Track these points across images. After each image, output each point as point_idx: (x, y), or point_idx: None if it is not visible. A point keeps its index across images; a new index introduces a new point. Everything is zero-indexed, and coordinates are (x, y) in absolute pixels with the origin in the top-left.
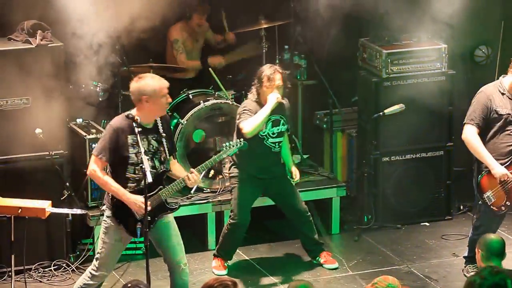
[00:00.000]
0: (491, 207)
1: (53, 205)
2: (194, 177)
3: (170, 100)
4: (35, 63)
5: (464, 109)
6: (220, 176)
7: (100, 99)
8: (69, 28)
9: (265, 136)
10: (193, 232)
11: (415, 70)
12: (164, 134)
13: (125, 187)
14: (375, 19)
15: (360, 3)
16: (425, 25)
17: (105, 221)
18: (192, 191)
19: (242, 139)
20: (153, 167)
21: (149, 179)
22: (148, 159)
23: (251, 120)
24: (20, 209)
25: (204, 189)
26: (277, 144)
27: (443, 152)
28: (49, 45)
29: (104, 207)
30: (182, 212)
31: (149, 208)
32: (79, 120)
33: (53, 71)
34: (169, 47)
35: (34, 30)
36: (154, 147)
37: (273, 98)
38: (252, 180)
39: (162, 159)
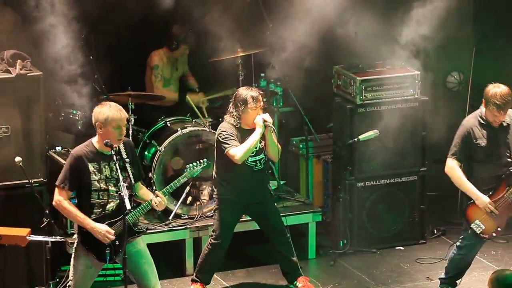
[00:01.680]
0: (481, 235)
1: (33, 233)
2: (159, 200)
3: (123, 133)
4: (15, 92)
5: (437, 134)
6: (198, 203)
7: (79, 127)
8: (48, 57)
9: None
10: (171, 258)
11: (389, 96)
12: (127, 160)
13: (90, 213)
14: (349, 46)
15: (334, 32)
16: (398, 52)
17: (75, 248)
18: (170, 218)
19: (205, 159)
20: (117, 192)
21: (128, 206)
22: (111, 185)
23: (242, 147)
24: (0, 237)
25: (182, 215)
26: (258, 162)
27: (416, 177)
28: (28, 74)
29: (74, 236)
30: (160, 238)
31: (114, 236)
32: (58, 148)
33: (33, 100)
34: (148, 72)
35: (14, 59)
36: (116, 174)
37: (261, 121)
38: (235, 202)
39: (127, 184)
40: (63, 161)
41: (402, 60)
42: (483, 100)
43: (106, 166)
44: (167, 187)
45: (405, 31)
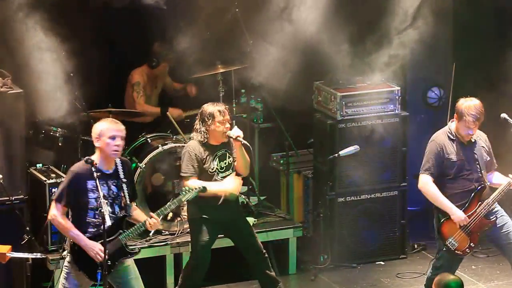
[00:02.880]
0: (456, 252)
1: (14, 250)
2: (154, 221)
3: (120, 144)
4: None
5: (417, 150)
6: (179, 219)
7: (60, 144)
8: (29, 75)
9: (214, 172)
10: (152, 274)
11: (369, 112)
12: (125, 180)
13: (85, 231)
14: (330, 63)
15: (314, 47)
16: (378, 68)
17: (66, 266)
18: (150, 234)
19: (203, 187)
20: (113, 212)
21: (108, 222)
22: (108, 204)
23: (198, 184)
24: None
25: (163, 231)
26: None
27: (397, 192)
28: (9, 92)
29: (65, 252)
30: (141, 254)
31: (107, 253)
32: (39, 165)
33: (13, 117)
34: (129, 90)
35: None
36: (114, 193)
37: (235, 134)
38: (212, 224)
39: (123, 204)
40: (43, 178)
41: (382, 76)
42: (455, 115)
43: (105, 185)
44: (162, 209)
45: (386, 46)
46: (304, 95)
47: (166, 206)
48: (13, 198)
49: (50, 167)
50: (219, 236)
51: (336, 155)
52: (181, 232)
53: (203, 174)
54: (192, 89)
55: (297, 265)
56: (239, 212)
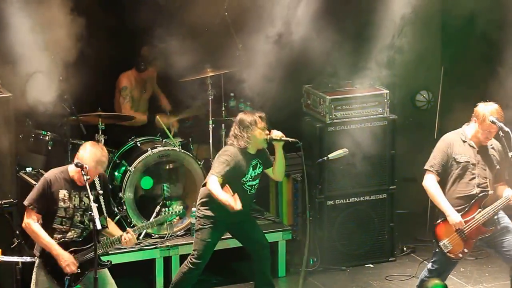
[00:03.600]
0: (448, 254)
1: (3, 253)
2: (130, 237)
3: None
4: None
5: (405, 153)
6: (168, 222)
7: (49, 148)
8: (18, 79)
9: (246, 181)
10: (141, 277)
11: (358, 115)
12: (101, 192)
13: (51, 237)
14: (319, 66)
15: (303, 51)
16: (367, 71)
17: (35, 272)
18: (140, 237)
19: (183, 209)
20: (82, 222)
21: (98, 226)
22: (78, 215)
23: (218, 191)
24: None
25: (152, 234)
26: (253, 187)
27: (386, 195)
28: None
29: (35, 258)
30: (131, 257)
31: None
32: (28, 169)
33: (2, 122)
34: (117, 94)
35: None
36: (86, 204)
37: (279, 135)
38: (222, 224)
39: (92, 216)
40: (33, 182)
41: (371, 80)
42: (475, 118)
43: (77, 196)
44: (139, 226)
45: (374, 50)
46: (293, 99)
47: (143, 224)
48: (2, 202)
49: (40, 171)
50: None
51: (325, 158)
52: (170, 236)
53: (235, 180)
54: (164, 101)
55: (287, 268)
56: (249, 213)
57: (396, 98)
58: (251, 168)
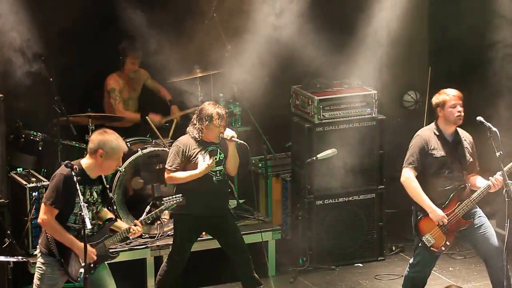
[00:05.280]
0: (431, 248)
1: None
2: (138, 229)
3: (120, 165)
4: None
5: (394, 153)
6: (159, 222)
7: (40, 148)
8: (8, 79)
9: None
10: (132, 277)
11: (347, 115)
12: (107, 186)
13: None
14: (307, 67)
15: (292, 51)
16: (355, 72)
17: (40, 267)
18: (130, 237)
19: (182, 198)
20: (93, 218)
21: (88, 225)
22: (88, 209)
23: (179, 174)
24: None
25: (143, 234)
26: (218, 172)
27: (374, 195)
28: None
29: (38, 254)
30: (121, 257)
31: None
32: (19, 170)
33: None
34: (105, 96)
35: None
36: (94, 198)
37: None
38: (194, 217)
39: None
40: (24, 182)
41: (359, 80)
42: (438, 108)
43: (88, 191)
44: (145, 217)
45: (362, 50)
46: (281, 99)
47: (149, 215)
48: None
49: (31, 171)
50: (203, 238)
51: (314, 158)
52: (161, 235)
53: (191, 168)
54: (166, 93)
55: (276, 267)
56: (226, 210)
57: (384, 98)
58: (207, 155)
